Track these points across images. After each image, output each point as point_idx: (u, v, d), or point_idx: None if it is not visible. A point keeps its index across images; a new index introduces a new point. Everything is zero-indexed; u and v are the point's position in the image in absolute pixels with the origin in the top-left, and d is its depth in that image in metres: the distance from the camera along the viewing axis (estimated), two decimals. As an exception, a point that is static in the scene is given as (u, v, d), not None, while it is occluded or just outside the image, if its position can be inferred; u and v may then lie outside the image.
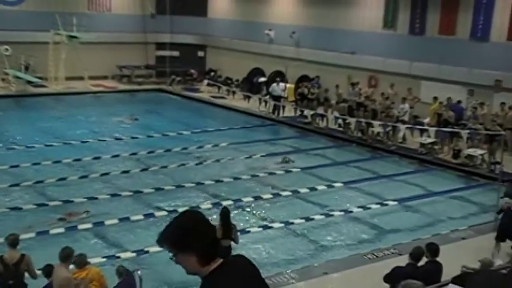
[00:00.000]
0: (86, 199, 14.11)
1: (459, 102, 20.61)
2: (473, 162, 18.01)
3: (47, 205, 13.68)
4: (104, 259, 10.80)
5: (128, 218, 12.95)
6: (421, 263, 8.34)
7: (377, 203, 14.78)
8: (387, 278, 8.21)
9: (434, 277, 8.11)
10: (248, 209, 14.26)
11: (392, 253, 11.09)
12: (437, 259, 8.42)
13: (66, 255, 7.80)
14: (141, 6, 33.39)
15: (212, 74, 32.61)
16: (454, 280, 7.57)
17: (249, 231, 12.51)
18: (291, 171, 17.44)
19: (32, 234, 11.70)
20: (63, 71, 28.63)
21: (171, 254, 2.96)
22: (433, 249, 8.36)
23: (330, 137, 22.00)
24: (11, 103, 26.38)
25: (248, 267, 3.16)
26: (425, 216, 14.36)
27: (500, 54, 20.38)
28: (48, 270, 8.13)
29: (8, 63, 27.91)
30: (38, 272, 8.61)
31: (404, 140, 20.53)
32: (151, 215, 12.99)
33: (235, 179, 16.41)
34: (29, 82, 28.09)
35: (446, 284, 7.48)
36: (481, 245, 12.00)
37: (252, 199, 14.71)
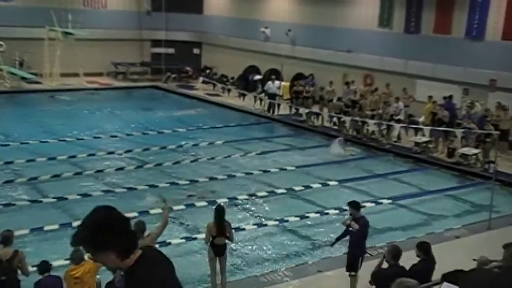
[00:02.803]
0: (80, 196, 14.08)
1: (450, 97, 20.59)
2: (468, 161, 18.06)
3: (41, 201, 13.67)
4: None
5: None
6: (413, 262, 8.33)
7: (371, 202, 14.78)
8: (373, 279, 8.23)
9: (426, 276, 8.10)
10: (243, 207, 14.26)
11: (387, 251, 11.09)
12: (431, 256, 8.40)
13: (142, 229, 8.53)
14: (136, 3, 33.36)
15: (207, 71, 32.59)
16: (445, 276, 7.57)
17: (243, 229, 12.53)
18: (285, 169, 17.45)
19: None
20: (58, 68, 28.54)
21: (88, 254, 2.95)
22: (424, 248, 8.33)
23: (324, 135, 22.02)
24: (6, 99, 26.29)
25: (163, 257, 3.18)
26: (420, 214, 14.40)
27: (495, 53, 20.44)
28: (44, 267, 8.11)
29: (2, 59, 27.81)
30: (32, 269, 8.60)
31: (399, 138, 20.57)
32: (145, 212, 12.96)
33: (230, 176, 16.41)
34: (24, 78, 28.01)
35: (441, 283, 7.49)
36: (475, 244, 12.06)
37: (246, 197, 14.71)
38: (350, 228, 9.60)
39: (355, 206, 9.72)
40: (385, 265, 8.26)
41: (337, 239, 10.34)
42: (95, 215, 2.93)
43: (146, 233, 8.69)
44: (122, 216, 2.97)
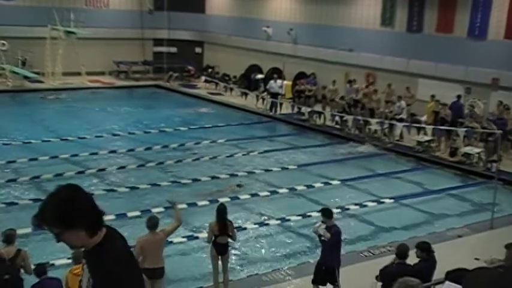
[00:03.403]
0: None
1: (459, 97, 20.56)
2: (470, 160, 18.04)
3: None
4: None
5: (124, 214, 12.94)
6: (414, 262, 8.33)
7: (373, 201, 14.79)
8: (380, 276, 8.26)
9: (427, 276, 8.11)
10: (245, 206, 14.26)
11: (389, 250, 11.11)
12: (432, 256, 8.40)
13: (155, 224, 8.68)
14: (138, 1, 33.34)
15: (210, 70, 32.61)
16: (449, 274, 7.58)
17: (245, 228, 12.54)
18: (287, 168, 17.45)
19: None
20: (60, 67, 28.56)
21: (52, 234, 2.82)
22: (425, 248, 8.32)
23: (327, 134, 22.01)
24: (8, 98, 26.33)
25: (119, 233, 3.14)
26: (422, 214, 14.38)
27: (498, 52, 20.41)
28: (41, 270, 8.11)
29: (4, 59, 27.84)
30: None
31: (401, 137, 20.55)
32: (148, 211, 12.97)
33: (232, 175, 16.41)
34: (26, 77, 28.05)
35: (444, 281, 7.50)
36: (477, 243, 12.05)
37: (248, 196, 14.70)
38: (322, 238, 9.14)
39: (327, 213, 9.24)
40: None
41: None
42: (60, 192, 2.84)
43: (159, 229, 8.74)
44: (85, 192, 2.91)
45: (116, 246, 2.92)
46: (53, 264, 9.65)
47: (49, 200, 2.81)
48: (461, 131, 18.15)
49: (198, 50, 34.67)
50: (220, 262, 9.63)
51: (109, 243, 2.89)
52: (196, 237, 11.88)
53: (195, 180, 15.79)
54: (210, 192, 14.81)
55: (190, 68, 32.68)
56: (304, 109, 23.40)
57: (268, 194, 15.11)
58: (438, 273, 8.26)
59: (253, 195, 14.83)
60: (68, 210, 2.76)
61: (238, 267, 10.96)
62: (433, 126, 19.14)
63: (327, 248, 9.21)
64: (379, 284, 8.30)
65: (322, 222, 9.24)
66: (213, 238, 9.47)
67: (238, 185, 15.47)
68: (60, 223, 2.77)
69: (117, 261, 2.86)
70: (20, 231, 9.50)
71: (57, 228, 2.78)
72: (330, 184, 16.15)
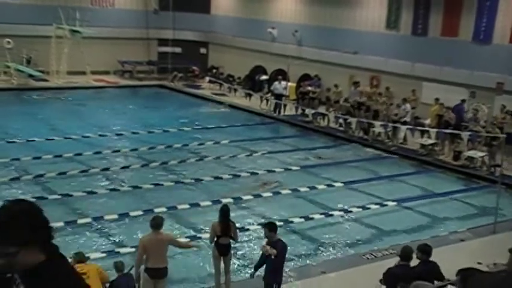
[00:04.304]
0: (85, 193, 14.13)
1: (463, 101, 20.53)
2: (474, 164, 18.01)
3: (47, 198, 13.69)
4: (103, 254, 10.82)
5: (127, 214, 12.96)
6: (414, 264, 8.33)
7: (376, 203, 14.78)
8: (384, 279, 8.26)
9: (428, 278, 8.11)
10: (247, 207, 14.26)
11: (391, 253, 11.08)
12: (432, 259, 8.39)
13: (159, 223, 8.72)
14: (144, 1, 33.40)
15: (214, 71, 32.62)
16: (460, 272, 7.59)
17: (247, 229, 12.54)
18: (290, 170, 17.44)
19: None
20: (65, 65, 28.62)
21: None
22: (425, 251, 8.33)
23: (330, 136, 22.00)
24: (12, 96, 26.39)
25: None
26: (424, 217, 14.36)
27: (502, 56, 20.37)
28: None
29: (9, 57, 27.92)
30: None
31: (405, 140, 20.52)
32: (150, 211, 12.99)
33: (235, 176, 16.41)
34: (31, 76, 28.12)
35: (445, 286, 7.50)
36: (480, 247, 12.03)
37: (251, 197, 14.70)
38: (272, 257, 8.46)
39: (272, 228, 8.68)
40: None
41: (256, 268, 9.17)
42: (16, 206, 2.41)
43: (162, 229, 8.82)
44: (36, 205, 2.49)
45: (65, 262, 2.63)
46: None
47: (4, 216, 2.36)
48: (465, 134, 18.12)
49: (202, 50, 34.69)
50: (222, 263, 9.63)
51: (58, 259, 2.53)
52: (199, 238, 11.88)
53: (198, 180, 15.79)
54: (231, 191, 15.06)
55: (194, 68, 32.69)
56: (308, 111, 23.39)
57: (271, 195, 15.11)
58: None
59: (255, 196, 14.83)
60: (24, 226, 2.35)
61: (240, 268, 10.96)
62: (437, 130, 19.11)
63: (272, 266, 8.66)
64: (383, 287, 8.30)
65: (266, 237, 8.80)
66: (215, 239, 9.48)
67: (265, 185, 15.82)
68: (16, 241, 2.32)
69: (70, 276, 2.58)
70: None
71: (13, 246, 2.32)
72: (333, 186, 16.15)
